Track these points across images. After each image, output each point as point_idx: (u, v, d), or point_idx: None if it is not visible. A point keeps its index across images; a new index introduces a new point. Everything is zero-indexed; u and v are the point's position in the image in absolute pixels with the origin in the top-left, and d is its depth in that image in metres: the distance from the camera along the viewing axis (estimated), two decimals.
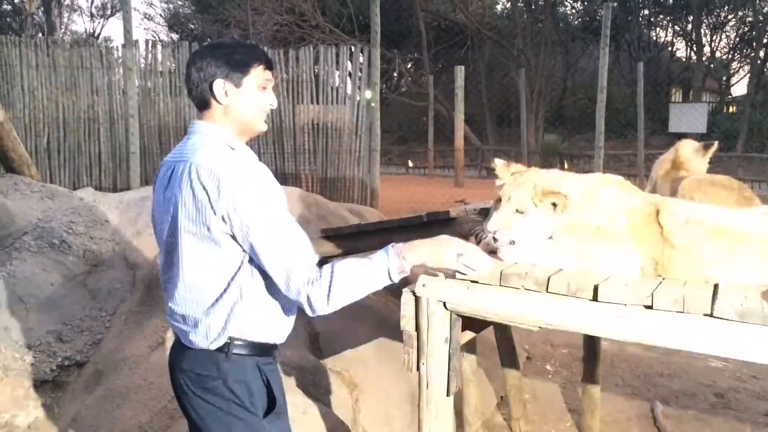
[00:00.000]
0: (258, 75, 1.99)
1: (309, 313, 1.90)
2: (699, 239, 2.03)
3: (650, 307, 1.83)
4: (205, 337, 1.94)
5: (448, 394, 2.28)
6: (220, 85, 1.95)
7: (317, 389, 3.69)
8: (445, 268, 2.07)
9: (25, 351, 3.66)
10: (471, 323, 2.49)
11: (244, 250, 1.90)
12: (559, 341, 5.56)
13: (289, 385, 3.55)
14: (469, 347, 3.84)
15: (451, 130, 16.83)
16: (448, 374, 2.24)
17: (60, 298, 3.97)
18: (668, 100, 25.55)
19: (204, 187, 1.84)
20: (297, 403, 3.40)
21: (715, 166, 3.72)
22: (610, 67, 26.59)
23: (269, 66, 2.03)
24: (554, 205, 2.17)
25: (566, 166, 19.05)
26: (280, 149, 9.50)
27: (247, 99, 1.99)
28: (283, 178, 9.35)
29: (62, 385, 3.66)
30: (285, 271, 1.86)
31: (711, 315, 1.74)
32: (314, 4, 21.93)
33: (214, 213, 1.85)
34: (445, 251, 1.98)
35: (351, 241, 4.20)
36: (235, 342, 1.95)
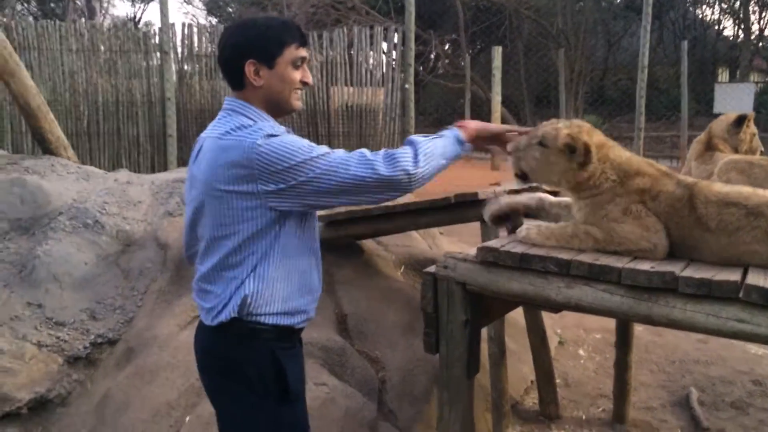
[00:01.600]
0: (291, 54, 1.95)
1: (403, 178, 1.82)
2: (735, 222, 1.96)
3: (675, 290, 1.77)
4: (219, 315, 1.94)
5: (468, 377, 2.26)
6: (252, 66, 1.92)
7: (344, 370, 3.70)
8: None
9: (59, 328, 3.75)
10: (495, 305, 2.46)
11: (267, 225, 1.88)
12: (593, 325, 5.47)
13: (315, 366, 3.56)
14: (498, 330, 3.80)
15: (488, 112, 16.61)
16: (468, 356, 2.22)
17: (93, 277, 4.05)
18: (714, 80, 24.76)
19: (227, 162, 1.83)
20: (323, 384, 3.42)
21: (765, 147, 3.55)
22: (653, 46, 25.97)
23: (303, 43, 1.98)
24: (572, 150, 2.10)
25: None
26: (314, 131, 9.49)
27: (281, 78, 1.95)
28: None
29: (95, 362, 3.73)
30: (351, 162, 1.82)
31: (738, 299, 1.67)
32: None
33: (243, 186, 1.83)
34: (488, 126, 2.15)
35: (380, 222, 4.17)
36: (249, 325, 1.94)
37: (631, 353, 4.13)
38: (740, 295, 1.68)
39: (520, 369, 4.52)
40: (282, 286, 1.96)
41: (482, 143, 2.17)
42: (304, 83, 2.00)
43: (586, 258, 1.96)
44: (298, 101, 2.02)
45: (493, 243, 2.17)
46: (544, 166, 2.15)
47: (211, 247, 1.95)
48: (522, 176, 2.22)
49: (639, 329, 4.87)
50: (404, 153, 1.85)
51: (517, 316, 4.42)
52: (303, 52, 1.98)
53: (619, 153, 2.18)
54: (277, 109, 2.00)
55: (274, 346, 1.97)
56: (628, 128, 19.67)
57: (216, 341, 1.99)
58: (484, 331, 3.91)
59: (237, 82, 1.97)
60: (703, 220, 2.00)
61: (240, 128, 1.89)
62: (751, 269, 1.86)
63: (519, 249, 2.08)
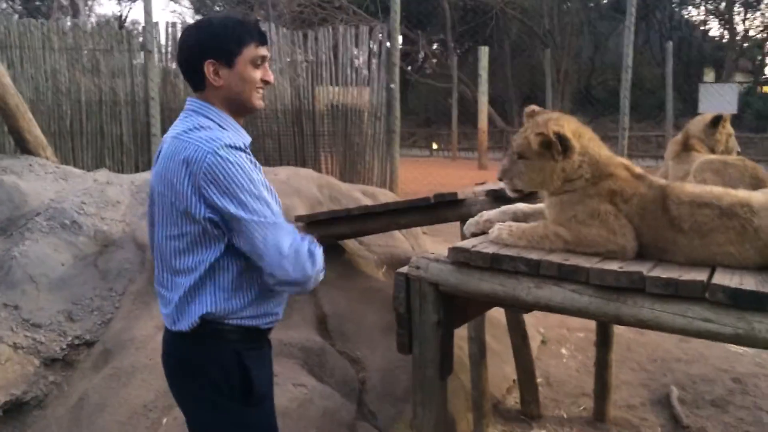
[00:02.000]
0: (250, 53, 1.93)
1: (292, 276, 1.85)
2: (708, 222, 1.96)
3: (642, 290, 1.77)
4: (178, 320, 1.91)
5: (441, 378, 2.26)
6: (211, 66, 1.90)
7: (323, 371, 3.69)
8: None
9: (35, 329, 3.71)
10: (469, 306, 2.46)
11: (218, 234, 1.86)
12: (576, 325, 5.49)
13: (294, 367, 3.55)
14: (478, 330, 3.80)
15: (476, 112, 16.65)
16: (441, 357, 2.21)
17: (71, 278, 4.01)
18: (700, 81, 24.94)
19: (181, 165, 1.81)
20: (302, 385, 3.40)
21: (747, 147, 3.57)
22: (639, 47, 26.09)
23: (263, 41, 1.96)
24: (547, 146, 2.10)
25: None
26: (299, 131, 9.46)
27: (241, 78, 1.92)
28: (303, 160, 9.33)
29: (72, 364, 3.70)
30: (269, 246, 1.82)
31: (704, 298, 1.68)
32: None
33: (191, 193, 1.81)
34: None
35: (360, 222, 4.16)
36: (212, 326, 1.90)
37: (612, 352, 4.14)
38: (706, 294, 1.68)
39: (503, 368, 4.52)
40: (244, 293, 1.93)
41: None
42: (266, 82, 1.98)
43: (556, 258, 1.96)
44: (260, 100, 2.00)
45: (464, 243, 2.16)
46: (535, 175, 2.15)
47: (163, 249, 1.92)
48: (520, 192, 2.23)
49: (621, 328, 4.89)
50: (306, 259, 1.87)
51: (499, 315, 4.42)
52: (263, 51, 1.96)
53: (598, 149, 2.18)
54: (239, 109, 1.99)
55: (239, 348, 1.93)
56: (614, 128, 19.75)
57: (179, 344, 1.96)
58: (464, 331, 3.93)
59: (197, 82, 1.94)
60: (675, 221, 1.99)
61: (198, 129, 1.87)
62: (718, 270, 1.87)
63: (490, 249, 2.07)
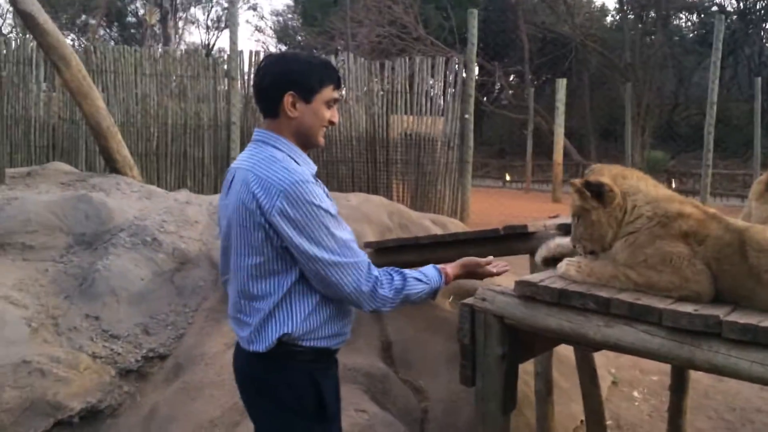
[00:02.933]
0: (328, 93, 2.03)
1: (365, 309, 2.02)
2: None
3: (718, 335, 1.70)
4: (255, 342, 1.98)
5: (504, 412, 2.22)
6: (290, 98, 1.98)
7: (386, 398, 3.68)
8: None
9: (113, 340, 3.88)
10: (535, 341, 2.41)
11: (293, 259, 1.94)
12: (650, 367, 5.27)
13: (357, 392, 3.56)
14: (545, 366, 3.72)
15: (551, 144, 16.45)
16: (504, 392, 2.18)
17: (149, 292, 4.18)
18: None
19: (256, 197, 1.89)
20: (363, 411, 3.41)
21: None
22: (726, 82, 25.22)
23: (338, 85, 2.07)
24: (598, 197, 2.08)
25: (673, 185, 18.15)
26: (372, 159, 9.60)
27: (314, 114, 2.02)
28: (375, 187, 9.44)
29: (146, 376, 3.84)
30: (344, 285, 1.94)
31: None
32: (416, 16, 22.12)
33: (266, 223, 1.89)
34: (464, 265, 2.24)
35: (428, 251, 4.16)
36: (285, 347, 1.97)
37: (687, 398, 3.96)
38: None
39: (570, 407, 4.39)
40: (317, 315, 2.00)
41: (463, 278, 2.28)
42: (331, 123, 2.08)
43: (627, 297, 1.90)
44: (322, 138, 2.09)
45: (532, 277, 2.14)
46: (594, 231, 2.13)
47: (238, 276, 2.00)
48: (593, 252, 2.20)
49: (698, 373, 4.67)
50: (386, 299, 2.00)
51: (568, 352, 4.30)
52: (337, 94, 2.06)
53: (654, 188, 2.12)
54: (305, 143, 2.06)
55: (311, 368, 2.01)
56: (697, 164, 19.08)
57: (253, 364, 2.04)
58: (531, 366, 3.85)
59: (271, 110, 2.02)
60: (755, 270, 1.87)
61: (272, 161, 1.95)
62: None
63: (558, 285, 2.04)
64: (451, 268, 2.20)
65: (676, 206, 2.07)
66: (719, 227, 1.99)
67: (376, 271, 2.00)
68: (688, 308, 1.80)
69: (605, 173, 2.17)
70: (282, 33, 36.06)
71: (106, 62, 9.11)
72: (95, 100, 5.46)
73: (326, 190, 2.02)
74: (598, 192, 2.08)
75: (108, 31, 34.72)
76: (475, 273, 2.24)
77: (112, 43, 31.50)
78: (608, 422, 4.24)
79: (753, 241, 1.91)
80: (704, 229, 1.99)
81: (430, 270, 2.14)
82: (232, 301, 2.07)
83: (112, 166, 5.54)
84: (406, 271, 2.10)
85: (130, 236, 4.47)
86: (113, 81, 9.14)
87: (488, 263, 2.24)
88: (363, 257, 1.99)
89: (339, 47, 21.66)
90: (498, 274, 2.24)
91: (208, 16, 39.90)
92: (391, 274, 2.04)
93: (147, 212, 4.78)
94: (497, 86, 26.00)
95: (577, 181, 2.14)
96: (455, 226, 5.99)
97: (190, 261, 4.45)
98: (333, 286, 1.93)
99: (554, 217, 4.61)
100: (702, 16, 27.00)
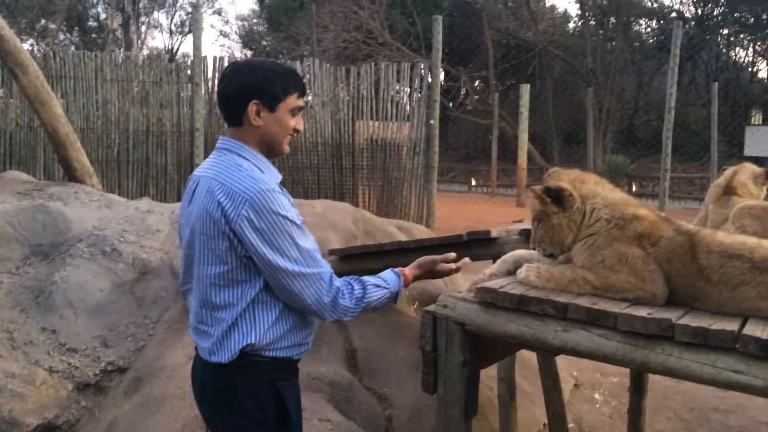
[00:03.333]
0: (293, 102, 2.02)
1: (327, 319, 2.04)
2: (739, 275, 1.89)
3: (671, 338, 1.73)
4: (217, 352, 1.96)
5: (466, 418, 2.23)
6: (255, 107, 1.97)
7: (350, 406, 3.67)
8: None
9: (71, 354, 3.79)
10: (496, 346, 2.43)
11: (257, 268, 1.92)
12: (611, 369, 5.35)
13: (321, 401, 3.54)
14: (508, 371, 3.75)
15: (516, 149, 16.62)
16: (466, 398, 2.18)
17: (108, 304, 4.10)
18: (747, 123, 24.45)
19: (221, 205, 1.87)
20: (327, 420, 3.39)
21: None
22: (685, 87, 25.77)
23: (303, 93, 2.06)
24: (557, 202, 2.12)
25: (634, 188, 18.48)
26: (338, 165, 9.57)
27: (279, 122, 2.01)
28: (341, 193, 9.42)
29: (104, 390, 3.76)
30: (306, 296, 1.93)
31: (734, 349, 1.63)
32: (382, 22, 22.18)
33: (230, 232, 1.87)
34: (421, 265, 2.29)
35: (393, 257, 4.16)
36: (248, 357, 1.96)
37: (646, 399, 4.03)
38: (737, 345, 1.63)
39: (533, 411, 4.43)
40: (280, 325, 1.99)
41: (423, 278, 2.33)
42: (296, 130, 2.08)
43: (584, 302, 1.93)
44: (287, 146, 2.09)
45: (492, 283, 2.15)
46: (554, 234, 2.16)
47: (201, 286, 1.98)
48: (552, 255, 2.24)
49: (657, 375, 4.76)
50: (347, 309, 2.02)
51: (531, 356, 4.35)
52: (301, 102, 2.06)
53: (611, 192, 2.17)
54: (270, 151, 2.06)
55: (273, 378, 2.00)
56: (657, 168, 19.46)
57: (215, 375, 2.01)
58: (494, 372, 3.87)
59: (236, 118, 2.01)
60: (705, 271, 1.94)
61: (237, 169, 1.93)
62: (750, 320, 1.81)
63: (518, 290, 2.06)
64: (409, 270, 2.24)
65: (632, 209, 2.12)
66: (671, 229, 2.05)
67: (337, 282, 2.00)
68: (642, 312, 1.83)
69: (564, 178, 2.20)
70: (247, 38, 35.83)
71: (66, 68, 8.94)
72: (53, 107, 5.34)
73: (291, 199, 2.02)
74: (557, 197, 2.11)
75: (68, 35, 34.07)
76: (433, 271, 2.27)
77: (73, 48, 30.93)
78: (570, 425, 4.29)
79: (702, 243, 1.98)
80: (657, 230, 2.05)
81: (388, 274, 2.17)
82: (194, 312, 2.05)
83: (71, 175, 5.42)
84: (366, 278, 2.11)
85: (89, 247, 4.38)
86: (73, 87, 8.97)
87: (445, 260, 2.25)
88: (326, 268, 1.98)
89: (305, 53, 21.61)
90: (457, 269, 2.26)
91: (171, 20, 39.40)
92: (351, 284, 2.04)
93: (106, 222, 4.69)
94: (463, 91, 26.16)
95: (537, 187, 2.17)
96: (420, 231, 6.00)
97: (151, 271, 4.38)
98: (295, 296, 1.93)
99: (518, 221, 4.65)
100: (661, 22, 27.58)
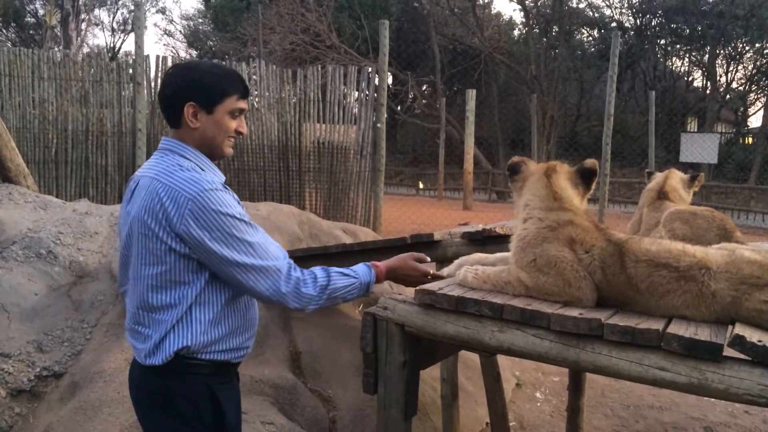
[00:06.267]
0: (231, 104, 2.00)
1: (291, 307, 2.02)
2: (665, 284, 1.96)
3: (601, 337, 1.79)
4: (153, 355, 1.94)
5: (405, 418, 2.26)
6: (191, 109, 1.96)
7: (294, 409, 3.66)
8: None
9: (4, 359, 3.66)
10: (436, 347, 2.47)
11: (198, 269, 1.90)
12: (551, 369, 5.48)
13: (264, 404, 3.52)
14: (450, 371, 3.80)
15: (462, 153, 16.83)
16: (406, 398, 2.21)
17: (43, 308, 3.98)
18: (683, 130, 25.38)
19: (164, 206, 1.85)
20: (270, 423, 3.37)
21: (727, 197, 3.69)
22: (624, 94, 26.57)
23: (244, 95, 2.04)
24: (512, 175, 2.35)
25: None
26: (285, 167, 9.50)
27: (217, 125, 2.00)
28: (287, 196, 9.36)
29: (39, 396, 3.64)
30: (261, 282, 1.92)
31: (659, 347, 1.70)
32: (329, 24, 22.15)
33: (171, 232, 1.86)
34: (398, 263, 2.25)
35: (337, 260, 4.17)
36: (184, 360, 1.94)
37: (584, 397, 4.15)
38: (662, 343, 1.71)
39: (476, 411, 4.49)
40: (217, 328, 1.97)
41: (400, 271, 2.28)
42: (239, 132, 2.06)
43: (519, 303, 1.99)
44: (230, 148, 2.07)
45: (431, 285, 2.19)
46: (517, 199, 2.35)
47: (138, 287, 1.95)
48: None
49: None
50: (312, 297, 2.02)
51: (474, 357, 4.42)
52: (242, 104, 2.04)
53: (563, 186, 2.25)
54: (211, 153, 2.05)
55: (210, 381, 1.98)
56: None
57: (150, 377, 1.98)
58: (438, 372, 3.92)
59: (175, 120, 2.01)
60: (633, 281, 1.99)
61: (179, 169, 1.92)
62: (675, 319, 1.89)
63: (456, 292, 2.10)
64: (384, 262, 2.22)
65: (569, 215, 2.18)
66: (602, 238, 2.11)
67: (298, 272, 1.99)
68: (573, 312, 1.90)
69: (518, 158, 2.49)
70: (192, 38, 35.25)
71: (1, 65, 8.64)
72: None
73: (236, 197, 2.00)
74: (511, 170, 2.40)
75: (4, 32, 32.86)
76: (409, 267, 2.24)
77: (9, 44, 29.82)
78: (512, 423, 4.38)
79: (630, 252, 2.04)
80: (591, 239, 2.10)
81: (358, 266, 2.16)
82: (131, 313, 2.02)
83: (5, 175, 5.24)
84: (331, 268, 2.11)
85: (23, 249, 4.24)
86: (8, 84, 8.66)
87: (421, 259, 2.27)
88: (280, 260, 1.97)
89: (252, 54, 21.38)
90: (434, 278, 2.28)
91: (113, 18, 38.50)
92: (314, 273, 2.05)
93: (42, 224, 4.55)
94: (410, 96, 26.36)
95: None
96: (366, 235, 6.03)
97: (89, 274, 4.26)
98: (251, 289, 1.93)
99: (464, 224, 4.72)
100: (602, 31, 28.39)
